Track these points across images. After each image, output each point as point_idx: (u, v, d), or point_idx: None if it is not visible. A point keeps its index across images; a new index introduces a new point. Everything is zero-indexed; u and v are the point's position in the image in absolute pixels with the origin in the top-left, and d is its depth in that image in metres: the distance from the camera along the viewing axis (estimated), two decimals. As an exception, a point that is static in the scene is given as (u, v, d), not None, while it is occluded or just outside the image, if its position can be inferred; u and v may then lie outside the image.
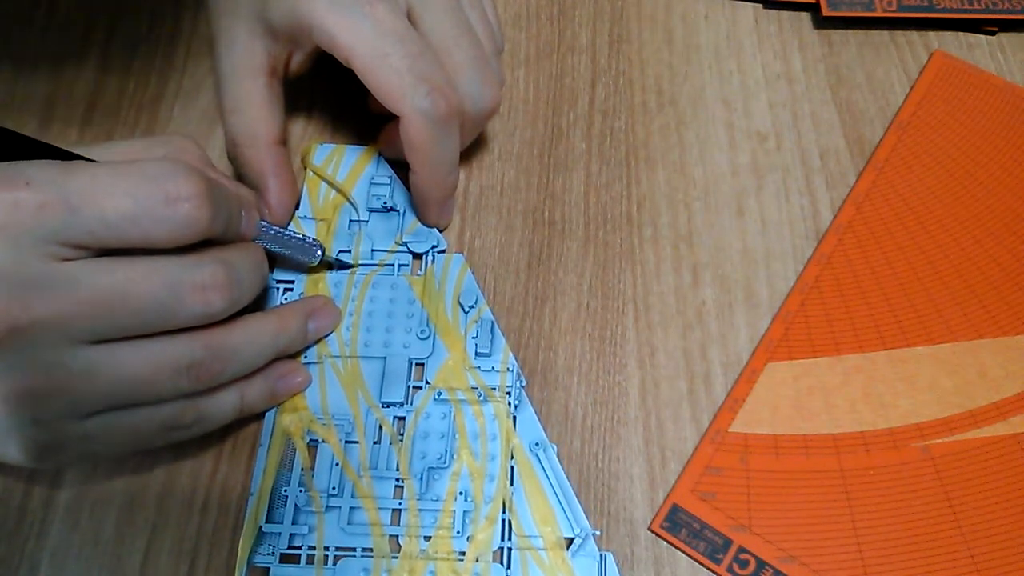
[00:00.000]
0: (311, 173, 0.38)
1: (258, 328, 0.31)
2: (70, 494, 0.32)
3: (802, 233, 0.39)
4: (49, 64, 0.42)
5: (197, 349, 0.28)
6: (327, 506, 0.31)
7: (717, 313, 0.37)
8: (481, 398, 0.33)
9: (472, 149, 0.40)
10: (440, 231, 0.37)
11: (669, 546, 0.32)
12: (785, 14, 0.46)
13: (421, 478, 0.32)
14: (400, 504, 0.31)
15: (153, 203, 0.26)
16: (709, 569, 0.32)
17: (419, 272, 0.36)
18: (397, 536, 0.31)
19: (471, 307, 0.35)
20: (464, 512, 0.31)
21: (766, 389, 0.35)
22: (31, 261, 0.24)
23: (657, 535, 0.32)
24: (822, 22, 0.45)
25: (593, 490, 0.33)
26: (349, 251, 0.36)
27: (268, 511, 0.31)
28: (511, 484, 0.32)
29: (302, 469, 0.32)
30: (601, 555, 0.31)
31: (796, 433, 0.34)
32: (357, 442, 0.33)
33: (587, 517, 0.32)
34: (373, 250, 0.37)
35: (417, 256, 0.37)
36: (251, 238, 0.32)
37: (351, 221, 0.37)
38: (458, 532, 0.31)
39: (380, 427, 0.33)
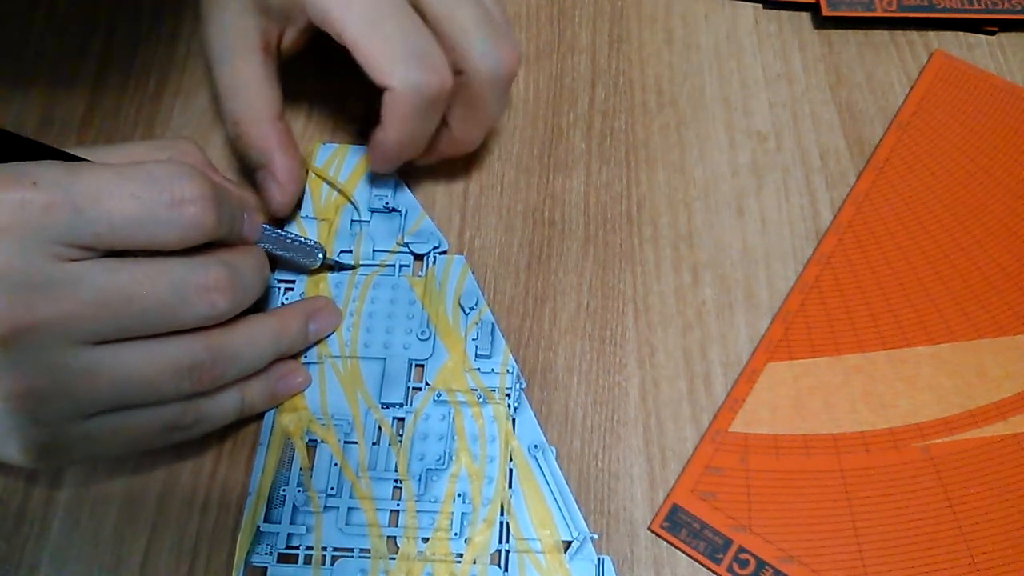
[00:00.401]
0: (311, 173, 0.38)
1: (259, 330, 0.31)
2: (70, 494, 0.32)
3: (802, 233, 0.39)
4: (49, 64, 0.42)
5: (199, 351, 0.28)
6: (325, 506, 0.31)
7: (717, 313, 0.37)
8: (480, 400, 0.33)
9: (471, 149, 0.40)
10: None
11: (669, 546, 0.32)
12: (785, 14, 0.46)
13: (420, 479, 0.32)
14: (398, 505, 0.31)
15: (159, 205, 0.26)
16: (709, 569, 0.32)
17: (420, 273, 0.36)
18: (395, 537, 0.31)
19: (471, 309, 0.35)
20: (462, 514, 0.31)
21: (766, 389, 0.35)
22: (36, 261, 0.24)
23: (657, 535, 0.32)
24: (822, 22, 0.45)
25: (593, 490, 0.33)
26: (350, 251, 0.36)
27: (266, 511, 0.31)
28: (509, 486, 0.32)
29: (301, 469, 0.32)
30: (599, 558, 0.31)
31: (796, 433, 0.34)
32: (356, 443, 0.33)
33: (587, 517, 0.32)
34: (374, 250, 0.36)
35: (418, 257, 0.37)
36: (254, 241, 0.32)
37: (353, 221, 0.37)
38: (456, 534, 0.31)
39: (379, 428, 0.33)
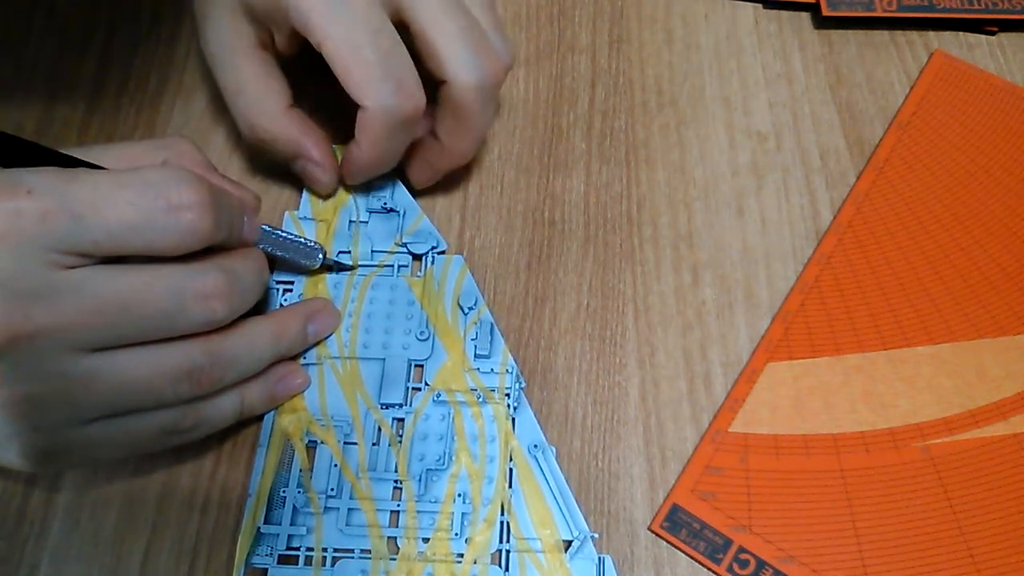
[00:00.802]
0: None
1: (258, 333, 0.31)
2: (70, 494, 0.32)
3: (802, 233, 0.39)
4: (49, 64, 0.42)
5: (198, 355, 0.28)
6: (325, 507, 0.31)
7: (717, 313, 0.37)
8: (480, 400, 0.33)
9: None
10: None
11: (669, 546, 0.32)
12: (785, 14, 0.46)
13: (420, 480, 0.32)
14: (398, 506, 0.31)
15: (156, 212, 0.26)
16: (709, 569, 0.32)
17: (419, 273, 0.36)
18: (395, 538, 0.31)
19: (470, 308, 0.35)
20: (462, 514, 0.31)
21: (766, 389, 0.35)
22: (33, 269, 0.24)
23: (657, 535, 0.32)
24: (822, 22, 0.45)
25: (593, 490, 0.33)
26: (349, 252, 0.36)
27: (266, 512, 0.31)
28: (510, 486, 0.32)
29: (301, 470, 0.32)
30: (599, 558, 0.31)
31: (796, 433, 0.34)
32: (356, 443, 0.33)
33: (587, 517, 0.32)
34: (373, 251, 0.36)
35: (417, 257, 0.37)
36: (253, 242, 0.32)
37: (351, 222, 0.37)
38: (456, 534, 0.31)
39: (379, 428, 0.33)
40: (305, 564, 0.30)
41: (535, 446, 0.33)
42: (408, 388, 0.34)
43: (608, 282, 0.37)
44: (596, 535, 0.31)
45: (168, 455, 0.32)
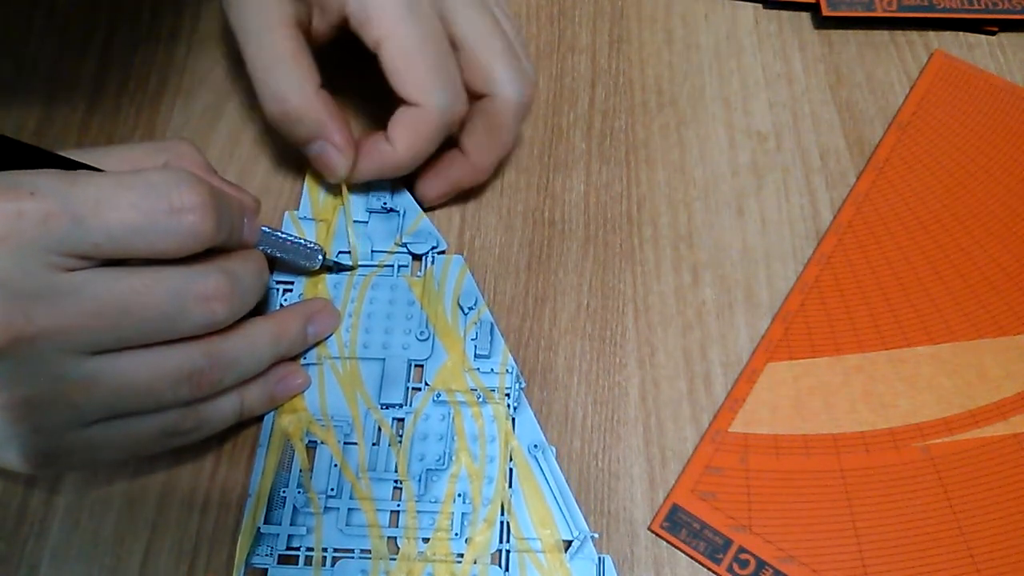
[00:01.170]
0: (311, 173, 0.38)
1: (258, 334, 0.31)
2: (70, 495, 0.32)
3: (802, 233, 0.39)
4: (49, 64, 0.42)
5: (198, 357, 0.28)
6: (325, 507, 0.31)
7: (717, 313, 0.37)
8: (480, 400, 0.33)
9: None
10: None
11: (669, 546, 0.32)
12: (785, 14, 0.46)
13: (420, 480, 0.32)
14: (398, 506, 0.31)
15: (158, 214, 0.26)
16: (709, 569, 0.32)
17: (418, 273, 0.36)
18: (395, 538, 0.31)
19: (470, 308, 0.35)
20: (462, 514, 0.31)
21: (766, 389, 0.35)
22: (35, 271, 0.24)
23: (657, 535, 0.32)
24: (822, 22, 0.45)
25: (593, 490, 0.33)
26: (348, 252, 0.36)
27: (266, 512, 0.31)
28: (510, 486, 0.32)
29: (301, 470, 0.32)
30: (599, 558, 0.31)
31: (796, 433, 0.34)
32: (356, 443, 0.33)
33: (587, 517, 0.32)
34: (373, 251, 0.36)
35: (417, 257, 0.37)
36: (253, 244, 0.32)
37: (347, 223, 0.37)
38: (456, 534, 0.31)
39: (379, 428, 0.33)
40: (305, 564, 0.30)
41: (535, 446, 0.33)
42: (408, 388, 0.34)
43: (608, 282, 0.37)
44: (596, 535, 0.31)
45: (168, 455, 0.32)
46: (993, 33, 0.45)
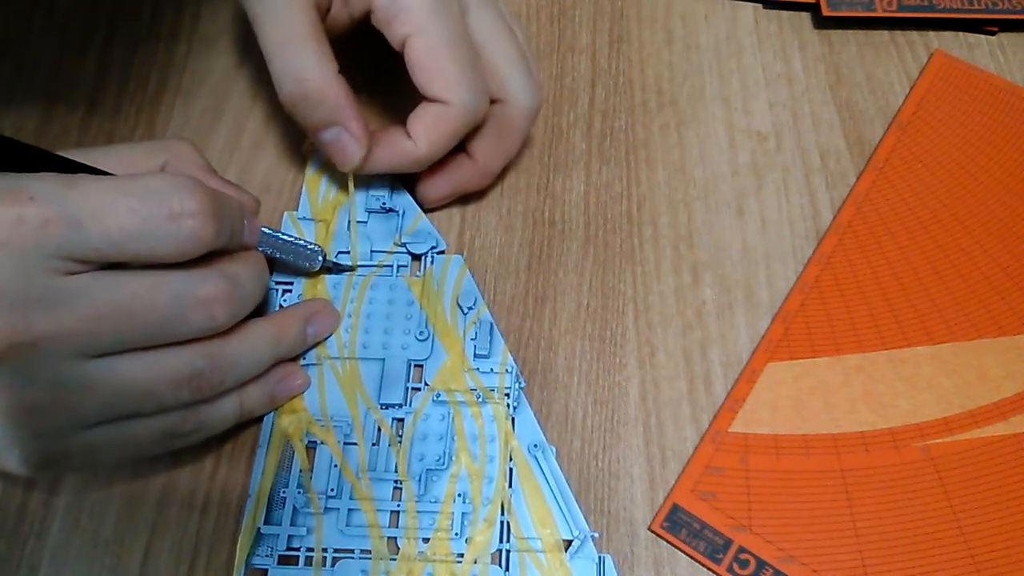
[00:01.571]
0: (310, 172, 0.38)
1: (257, 335, 0.31)
2: (70, 495, 0.32)
3: (802, 233, 0.39)
4: (49, 64, 0.42)
5: (198, 360, 0.28)
6: (325, 508, 0.31)
7: (717, 313, 0.37)
8: (480, 400, 0.33)
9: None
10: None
11: (669, 546, 0.32)
12: (785, 14, 0.46)
13: (420, 480, 0.32)
14: (398, 506, 0.31)
15: (157, 220, 0.25)
16: (709, 569, 0.32)
17: (418, 273, 0.36)
18: (395, 538, 0.31)
19: (470, 308, 0.35)
20: (462, 514, 0.31)
21: (766, 389, 0.35)
22: (34, 276, 0.24)
23: (657, 535, 0.32)
24: (822, 22, 0.45)
25: (593, 490, 0.33)
26: (348, 252, 0.36)
27: (266, 512, 0.31)
28: (510, 486, 0.32)
29: (300, 471, 0.32)
30: (600, 557, 0.31)
31: (796, 433, 0.34)
32: (356, 444, 0.33)
33: (587, 517, 0.32)
34: (372, 251, 0.36)
35: (416, 257, 0.37)
36: (253, 245, 0.32)
37: (350, 222, 0.37)
38: (456, 534, 0.31)
39: (379, 429, 0.33)
40: (305, 564, 0.30)
41: (535, 446, 0.33)
42: (408, 388, 0.34)
43: (608, 282, 0.37)
44: (596, 535, 0.31)
45: (168, 456, 0.32)
46: (993, 33, 0.45)
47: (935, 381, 0.35)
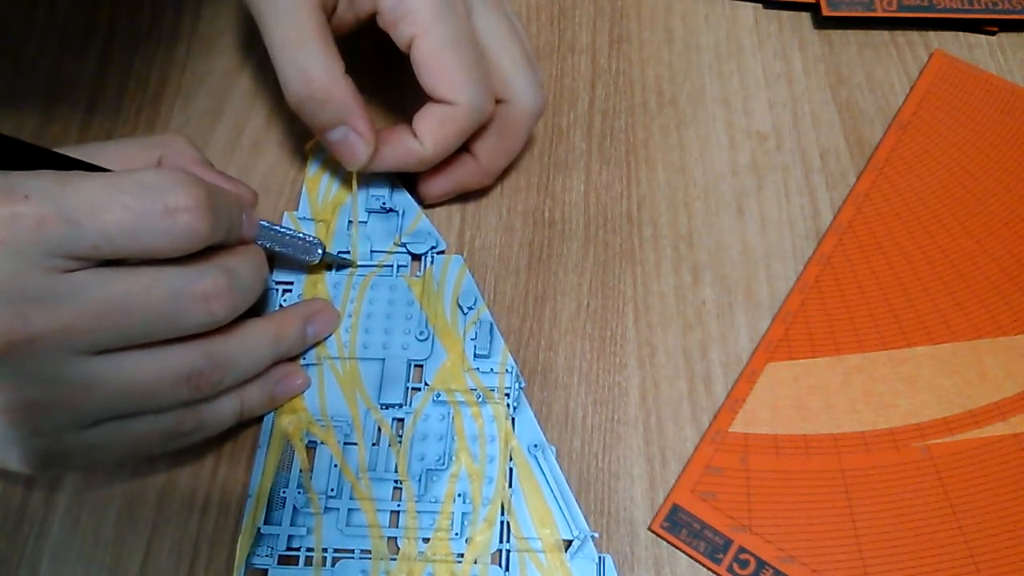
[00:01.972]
0: (310, 173, 0.38)
1: (257, 335, 0.31)
2: (70, 494, 0.32)
3: (802, 233, 0.39)
4: (49, 64, 0.42)
5: (197, 358, 0.28)
6: (325, 508, 0.31)
7: (717, 313, 0.37)
8: (480, 400, 0.33)
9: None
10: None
11: (669, 546, 0.32)
12: (785, 14, 0.46)
13: (420, 480, 0.32)
14: (399, 506, 0.31)
15: (153, 216, 0.25)
16: (709, 569, 0.32)
17: (418, 273, 0.36)
18: (395, 538, 0.31)
19: (470, 308, 0.35)
20: (463, 514, 0.31)
21: (766, 389, 0.35)
22: (31, 274, 0.24)
23: (657, 535, 0.32)
24: (822, 22, 0.45)
25: (593, 490, 0.33)
26: (348, 252, 0.36)
27: (266, 512, 0.31)
28: (510, 486, 0.32)
29: (300, 471, 0.32)
30: (600, 557, 0.31)
31: (796, 433, 0.34)
32: (356, 444, 0.33)
33: (587, 517, 0.32)
34: (372, 251, 0.36)
35: (416, 257, 0.37)
36: (252, 239, 0.32)
37: (350, 222, 0.37)
38: (456, 534, 0.31)
39: (379, 429, 0.33)
40: (305, 564, 0.30)
41: (535, 446, 0.33)
42: (408, 388, 0.34)
43: (608, 282, 0.37)
44: (596, 535, 0.31)
45: (168, 456, 0.32)
46: (993, 33, 0.45)
47: (935, 381, 0.35)
